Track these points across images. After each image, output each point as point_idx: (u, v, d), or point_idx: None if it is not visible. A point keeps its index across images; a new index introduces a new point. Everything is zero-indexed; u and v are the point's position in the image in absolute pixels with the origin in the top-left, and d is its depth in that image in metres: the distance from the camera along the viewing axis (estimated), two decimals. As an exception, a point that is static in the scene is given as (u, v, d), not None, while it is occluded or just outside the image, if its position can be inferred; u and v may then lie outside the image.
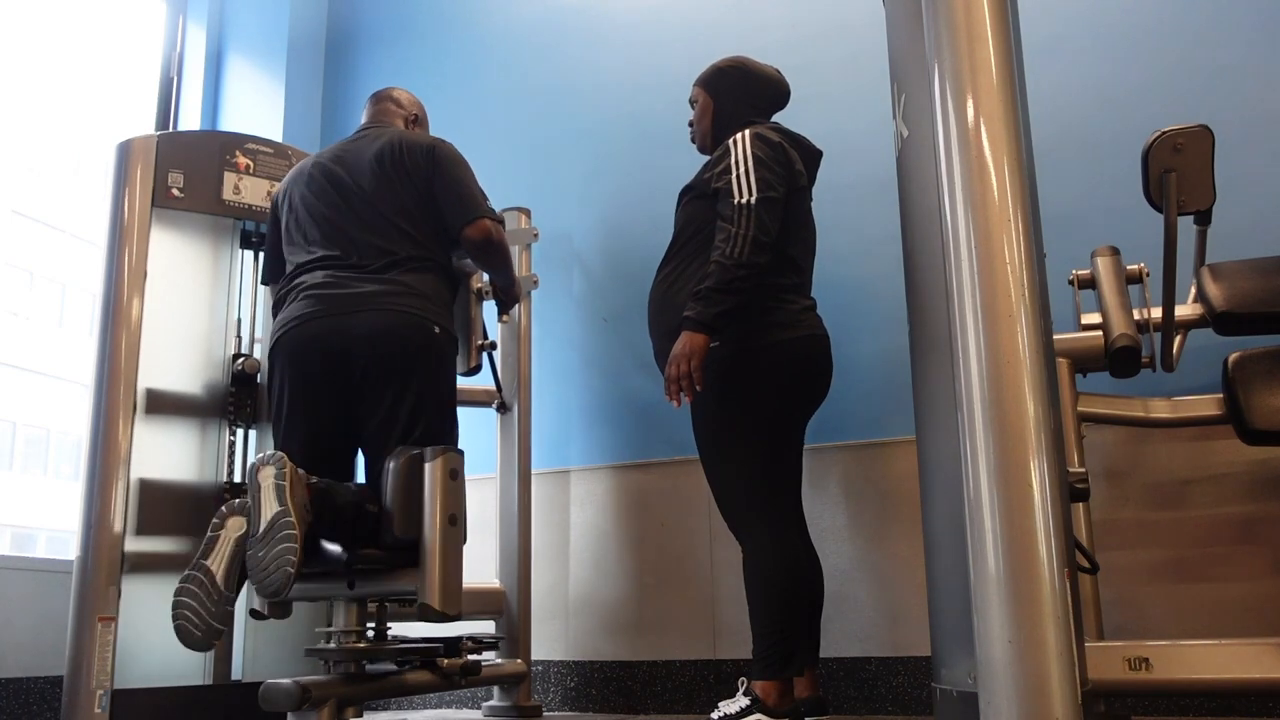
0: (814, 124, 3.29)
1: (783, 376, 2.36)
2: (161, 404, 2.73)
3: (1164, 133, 1.89)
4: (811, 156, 2.55)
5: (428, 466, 2.17)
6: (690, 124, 2.70)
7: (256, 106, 4.15)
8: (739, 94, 2.59)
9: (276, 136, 3.88)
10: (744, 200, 2.30)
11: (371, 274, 2.38)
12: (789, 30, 3.41)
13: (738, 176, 2.33)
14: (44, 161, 18.83)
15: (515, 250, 3.25)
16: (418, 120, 2.84)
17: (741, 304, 2.28)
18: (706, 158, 2.55)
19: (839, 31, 3.33)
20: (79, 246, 18.12)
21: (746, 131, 2.41)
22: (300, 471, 2.05)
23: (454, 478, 2.18)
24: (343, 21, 4.37)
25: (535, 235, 3.29)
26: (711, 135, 2.61)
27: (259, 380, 2.84)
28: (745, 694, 2.25)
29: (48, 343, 18.14)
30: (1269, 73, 2.80)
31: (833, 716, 2.85)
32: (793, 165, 2.43)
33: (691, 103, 2.68)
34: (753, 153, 2.35)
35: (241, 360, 2.83)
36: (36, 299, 18.60)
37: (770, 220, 2.30)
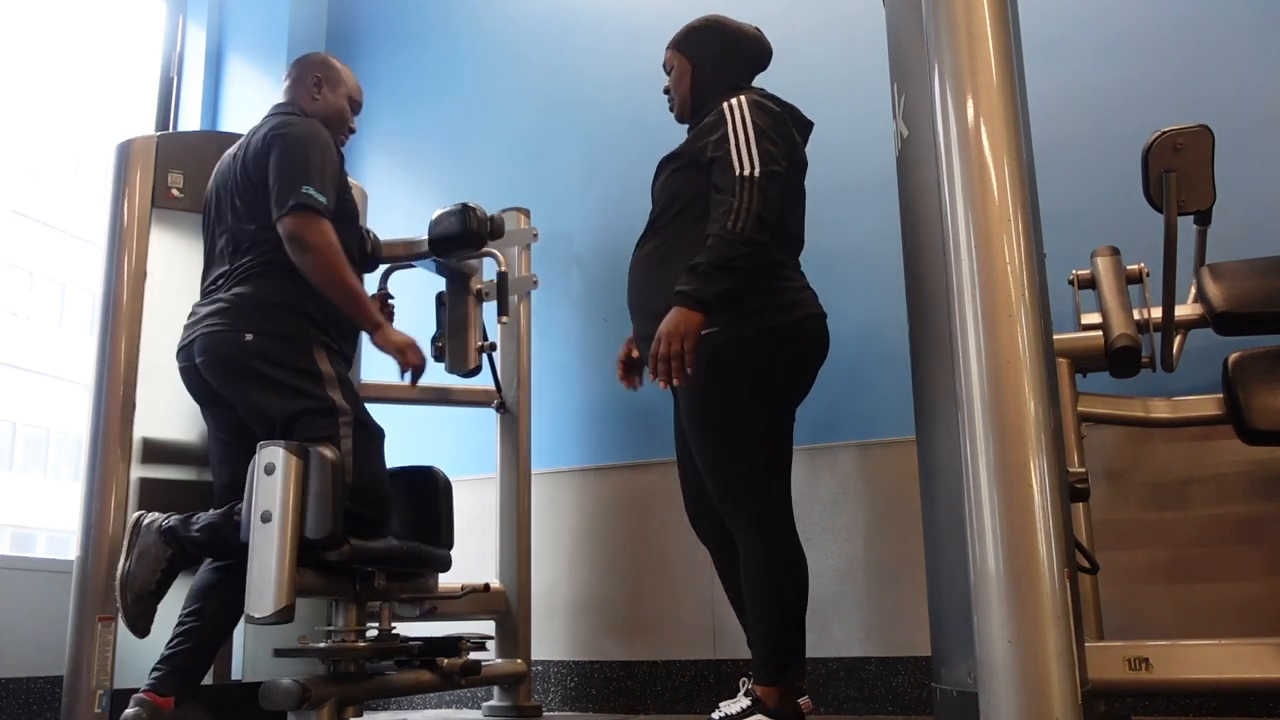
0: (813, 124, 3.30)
1: (787, 361, 2.23)
2: (162, 403, 2.72)
3: (1164, 133, 1.89)
4: (805, 128, 2.45)
5: (251, 463, 2.16)
6: (666, 91, 2.51)
7: (256, 106, 4.13)
8: (718, 55, 2.42)
9: (276, 136, 3.88)
10: (747, 173, 2.14)
11: (207, 295, 2.37)
12: (788, 30, 3.41)
13: (738, 147, 2.18)
14: (44, 161, 18.83)
15: (515, 250, 3.25)
16: (321, 83, 2.53)
17: (741, 283, 2.14)
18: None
19: (838, 31, 3.33)
20: (79, 246, 18.12)
21: (743, 98, 2.26)
22: (150, 519, 2.23)
23: (269, 473, 2.11)
24: (342, 22, 4.37)
25: (535, 235, 3.29)
26: (691, 101, 2.44)
27: None
28: (746, 695, 2.20)
29: (48, 343, 18.14)
30: (1269, 73, 2.80)
31: (832, 716, 2.85)
32: (794, 138, 2.32)
33: (666, 68, 2.51)
34: (754, 122, 2.20)
35: None
36: (36, 299, 18.60)
37: (774, 196, 2.16)
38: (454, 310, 2.99)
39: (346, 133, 2.59)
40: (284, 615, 2.08)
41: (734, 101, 2.25)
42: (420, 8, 4.20)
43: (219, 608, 2.21)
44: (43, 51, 20.65)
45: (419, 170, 4.03)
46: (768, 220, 2.14)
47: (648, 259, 2.35)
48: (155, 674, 2.14)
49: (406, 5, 4.24)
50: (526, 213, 3.36)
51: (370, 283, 3.05)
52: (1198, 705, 2.53)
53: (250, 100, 4.18)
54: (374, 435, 2.36)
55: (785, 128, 2.29)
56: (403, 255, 2.90)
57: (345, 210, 2.43)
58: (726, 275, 2.10)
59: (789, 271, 2.30)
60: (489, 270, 3.06)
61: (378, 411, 2.43)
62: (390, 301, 2.80)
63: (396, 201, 3.88)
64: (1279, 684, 1.77)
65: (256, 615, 2.08)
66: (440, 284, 3.07)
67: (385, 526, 2.36)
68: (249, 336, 2.24)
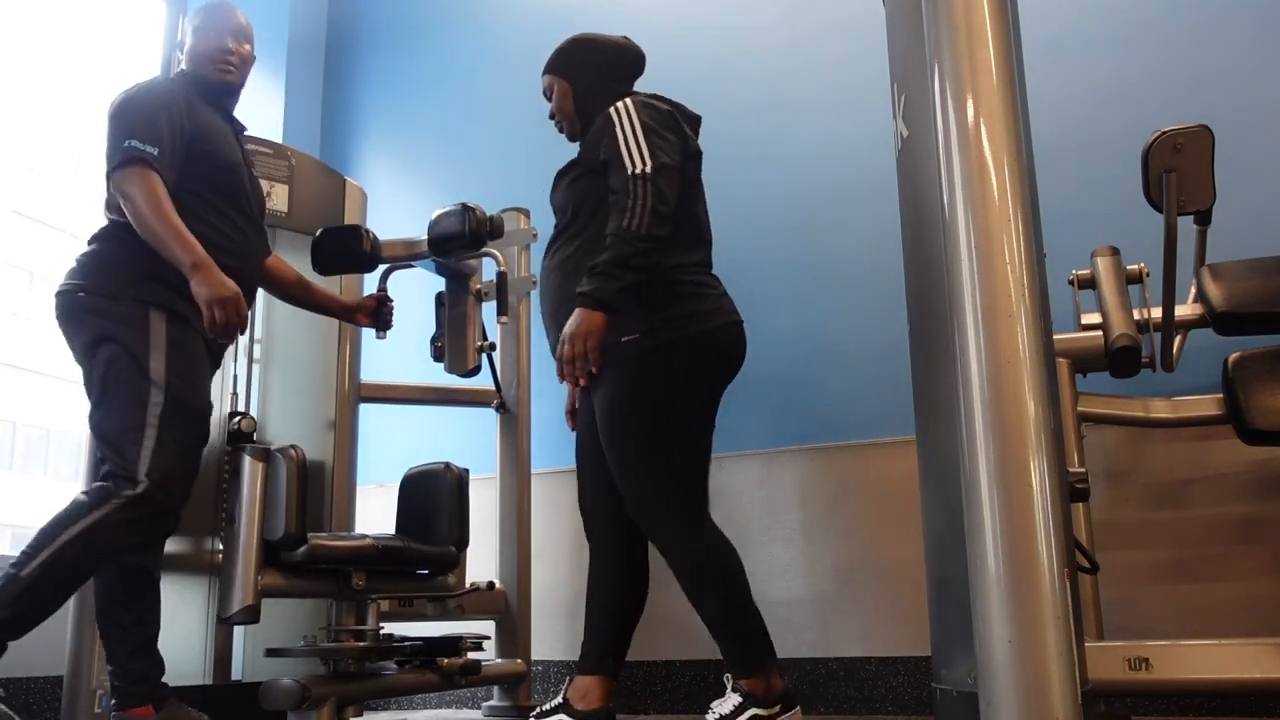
0: (814, 124, 3.30)
1: (706, 368, 2.25)
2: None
3: (1164, 133, 1.89)
4: (694, 122, 2.45)
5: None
6: (551, 116, 2.52)
7: (256, 106, 4.14)
8: (593, 69, 2.44)
9: (276, 137, 3.88)
10: (638, 170, 2.16)
11: None
12: (789, 30, 3.41)
13: (627, 146, 2.19)
14: (44, 161, 18.83)
15: (514, 250, 3.25)
16: (185, 41, 2.43)
17: (643, 280, 2.15)
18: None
19: (839, 31, 3.33)
20: (79, 246, 18.11)
21: (628, 100, 2.28)
22: None
23: (235, 477, 2.23)
24: (342, 22, 4.37)
25: (534, 235, 3.29)
26: (579, 119, 2.45)
27: (254, 437, 2.82)
28: (735, 690, 2.16)
29: (48, 343, 18.12)
30: (1269, 72, 2.80)
31: (832, 716, 2.85)
32: (684, 131, 2.32)
33: (546, 94, 2.52)
34: (640, 120, 2.22)
35: (238, 420, 2.81)
36: (36, 299, 18.59)
37: (668, 190, 2.17)
38: (454, 310, 2.99)
39: (223, 68, 2.40)
40: (248, 614, 2.15)
41: (619, 105, 2.28)
42: (420, 8, 4.20)
43: (152, 607, 2.18)
44: (43, 51, 20.65)
45: (419, 170, 4.03)
46: (664, 213, 2.16)
47: (560, 268, 2.36)
48: (120, 692, 2.12)
49: (406, 6, 4.24)
50: (526, 213, 3.36)
51: (370, 282, 3.06)
52: (1198, 705, 2.53)
53: (250, 100, 4.18)
54: (190, 417, 2.16)
55: (674, 122, 2.31)
56: (402, 255, 2.90)
57: (206, 153, 2.30)
58: (626, 273, 2.12)
59: (705, 277, 2.31)
60: (489, 270, 3.05)
61: (378, 411, 2.42)
62: (389, 304, 2.79)
63: (396, 201, 3.88)
64: (1279, 684, 1.77)
65: (223, 615, 2.17)
66: (440, 284, 3.07)
67: (172, 526, 2.14)
68: (81, 294, 2.18)
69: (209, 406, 2.24)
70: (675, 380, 2.21)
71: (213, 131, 2.34)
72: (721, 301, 2.30)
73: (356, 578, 2.33)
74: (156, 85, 2.31)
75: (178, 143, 2.22)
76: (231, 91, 2.46)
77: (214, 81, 2.39)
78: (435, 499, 2.61)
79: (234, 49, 2.42)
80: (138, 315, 2.14)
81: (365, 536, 2.37)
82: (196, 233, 2.18)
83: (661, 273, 2.20)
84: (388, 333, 2.83)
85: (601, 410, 2.26)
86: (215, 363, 2.36)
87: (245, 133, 2.54)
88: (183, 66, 2.42)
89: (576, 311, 2.13)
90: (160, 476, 2.05)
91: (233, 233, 2.30)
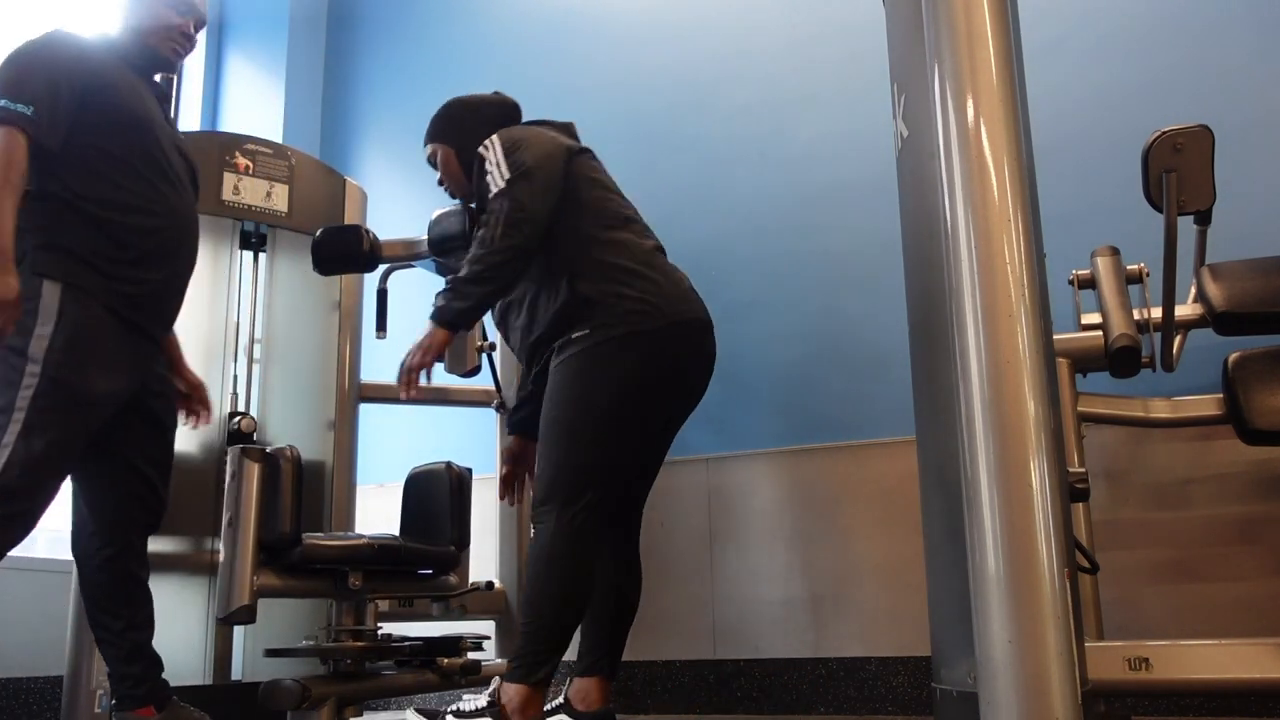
0: (814, 124, 3.30)
1: (654, 364, 2.18)
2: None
3: (1164, 133, 1.89)
4: (566, 129, 2.47)
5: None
6: (440, 183, 2.53)
7: (256, 107, 4.16)
8: (471, 127, 2.43)
9: (276, 137, 3.88)
10: (500, 186, 2.20)
11: None
12: (788, 30, 3.41)
13: (493, 172, 2.23)
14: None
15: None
16: (124, 4, 2.29)
17: (504, 288, 2.20)
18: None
19: (838, 31, 3.33)
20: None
21: (494, 136, 2.31)
22: None
23: (234, 478, 2.20)
24: (342, 22, 4.37)
25: (535, 235, 3.28)
26: (466, 178, 2.43)
27: (254, 437, 2.83)
28: (490, 694, 2.10)
29: (48, 343, 18.10)
30: (1269, 73, 2.80)
31: (832, 716, 2.84)
32: (549, 134, 2.33)
33: (431, 162, 2.53)
34: (502, 145, 2.26)
35: (238, 420, 2.82)
36: (36, 299, 18.57)
37: (527, 195, 2.18)
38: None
39: (175, 45, 2.27)
40: (245, 614, 2.15)
41: (485, 142, 2.31)
42: (421, 10, 4.20)
43: (141, 609, 2.18)
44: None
45: (419, 170, 4.01)
46: (520, 218, 2.16)
47: (523, 311, 2.33)
48: (120, 694, 2.10)
49: (407, 7, 4.24)
50: (527, 213, 3.35)
51: (370, 282, 3.06)
52: (1198, 705, 2.53)
53: (250, 100, 4.18)
54: (72, 403, 1.96)
55: (533, 135, 2.31)
56: (403, 255, 2.90)
57: (114, 107, 2.13)
58: (477, 287, 2.15)
59: (653, 274, 2.25)
60: (489, 270, 3.05)
61: (378, 411, 2.42)
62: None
63: (396, 201, 3.87)
64: (1279, 684, 1.77)
65: (220, 615, 2.17)
66: (440, 284, 3.07)
67: (29, 524, 1.96)
68: None
69: (107, 396, 2.02)
70: (616, 374, 2.16)
71: (120, 88, 2.16)
72: (681, 300, 2.24)
73: (353, 577, 2.33)
74: (51, 40, 2.12)
75: (63, 101, 2.03)
76: (170, 68, 2.35)
77: (159, 55, 2.26)
78: (436, 498, 2.61)
79: (190, 30, 2.29)
80: (30, 287, 1.94)
81: (362, 536, 2.37)
82: (103, 196, 2.05)
83: (587, 265, 2.20)
84: (387, 333, 2.83)
85: (545, 401, 2.23)
86: (140, 350, 2.14)
87: (169, 98, 2.39)
88: (118, 26, 2.25)
89: (428, 324, 2.18)
90: (19, 472, 1.85)
91: (149, 192, 2.13)
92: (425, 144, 2.53)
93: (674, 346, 2.23)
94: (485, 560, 3.13)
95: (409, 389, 2.17)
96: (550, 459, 2.18)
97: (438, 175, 2.54)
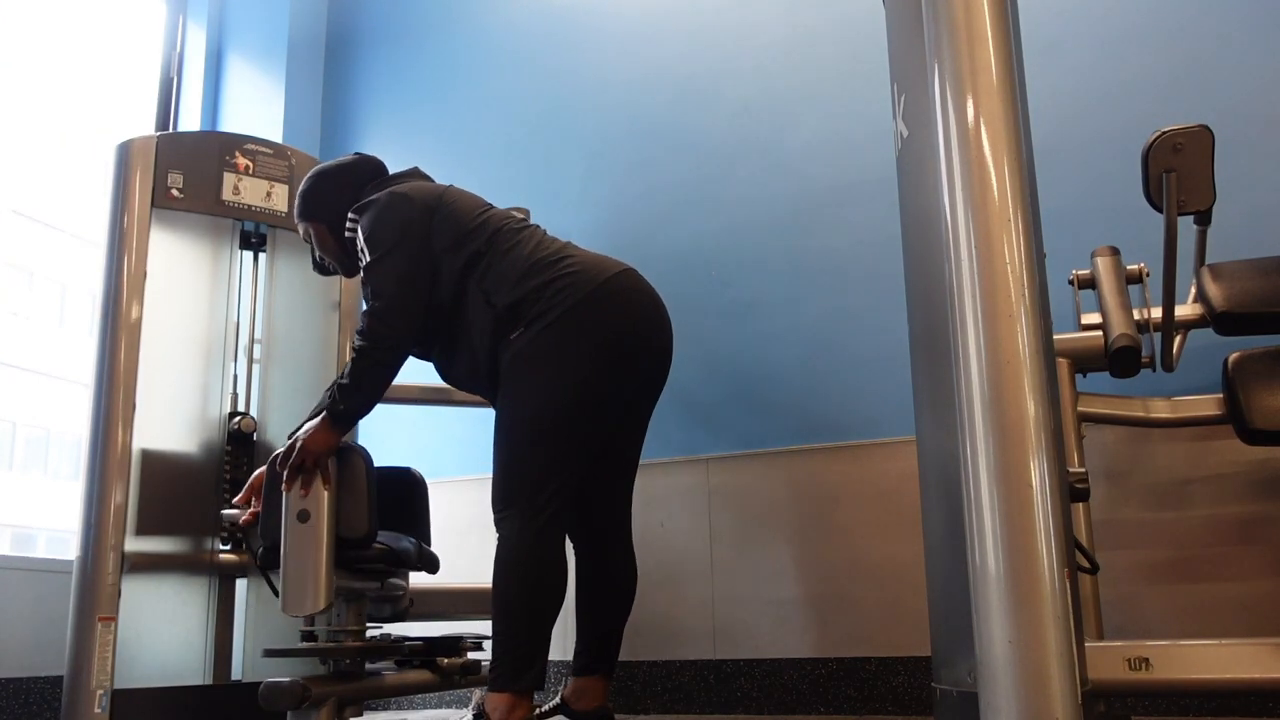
0: (814, 124, 3.30)
1: (593, 333, 2.15)
2: (162, 403, 2.72)
3: (1164, 133, 1.89)
4: (412, 175, 2.44)
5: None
6: (321, 260, 2.51)
7: (256, 107, 4.15)
8: (334, 198, 2.39)
9: (276, 137, 3.88)
10: (361, 276, 2.23)
11: None
12: (788, 30, 3.41)
13: (363, 249, 2.23)
14: (44, 161, 18.82)
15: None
16: None
17: (391, 368, 2.18)
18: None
19: (839, 31, 3.33)
20: (79, 246, 18.12)
21: (349, 213, 2.31)
22: None
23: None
24: (343, 22, 4.37)
25: (535, 235, 3.28)
26: (343, 252, 2.43)
27: (254, 437, 2.83)
28: (474, 709, 2.10)
29: (48, 343, 18.13)
30: (1269, 73, 2.80)
31: (832, 716, 2.84)
32: (414, 196, 2.27)
33: (306, 239, 2.50)
34: (364, 225, 2.24)
35: (238, 420, 2.82)
36: (36, 299, 18.59)
37: (383, 278, 2.17)
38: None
39: None
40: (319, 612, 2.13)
41: (350, 219, 2.30)
42: (421, 8, 4.20)
43: None
44: (43, 51, 20.65)
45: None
46: (382, 306, 2.15)
47: (454, 362, 2.33)
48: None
49: (407, 6, 4.24)
50: (526, 213, 3.35)
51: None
52: (1198, 705, 2.52)
53: (250, 100, 4.18)
54: None
55: (391, 200, 2.26)
56: (403, 255, 2.89)
57: None
58: (363, 381, 2.15)
59: (569, 254, 2.23)
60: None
61: (378, 411, 2.41)
62: None
63: (396, 201, 3.87)
64: (1279, 684, 1.77)
65: (295, 614, 2.11)
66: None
67: None
68: None
69: None
70: (555, 358, 2.15)
71: None
72: (590, 268, 2.19)
73: (397, 577, 2.35)
74: None
75: None
76: None
77: None
78: (423, 501, 2.65)
79: None
80: None
81: (399, 537, 2.39)
82: None
83: (498, 280, 2.18)
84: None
85: (497, 409, 2.24)
86: None
87: None
88: None
89: (319, 420, 2.14)
90: None
91: None
92: (297, 222, 2.49)
93: (610, 305, 2.17)
94: (485, 560, 3.12)
95: (290, 485, 2.11)
96: (503, 462, 2.17)
97: (314, 254, 2.50)
